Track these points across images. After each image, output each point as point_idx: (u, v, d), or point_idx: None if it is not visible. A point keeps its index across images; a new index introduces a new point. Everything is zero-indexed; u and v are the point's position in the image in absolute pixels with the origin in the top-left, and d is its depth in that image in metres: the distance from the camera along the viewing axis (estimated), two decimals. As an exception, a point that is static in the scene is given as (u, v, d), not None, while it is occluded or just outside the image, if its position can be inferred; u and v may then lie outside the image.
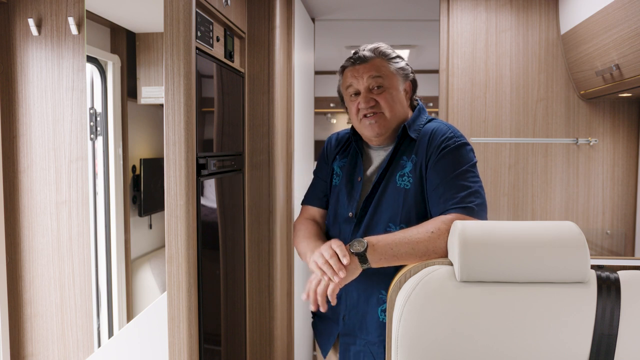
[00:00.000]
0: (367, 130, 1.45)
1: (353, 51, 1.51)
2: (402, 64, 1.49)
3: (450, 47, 2.61)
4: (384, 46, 1.48)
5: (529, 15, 2.57)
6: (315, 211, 1.60)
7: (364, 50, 1.47)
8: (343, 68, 1.51)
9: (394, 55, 1.49)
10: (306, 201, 1.63)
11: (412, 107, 1.53)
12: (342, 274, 1.23)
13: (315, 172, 1.65)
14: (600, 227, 2.60)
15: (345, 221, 1.46)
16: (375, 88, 1.43)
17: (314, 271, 1.29)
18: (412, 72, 1.51)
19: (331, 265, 1.24)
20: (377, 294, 1.41)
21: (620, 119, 2.57)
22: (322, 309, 1.26)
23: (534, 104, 2.59)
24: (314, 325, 1.62)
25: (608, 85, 2.17)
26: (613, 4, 1.93)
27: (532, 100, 2.59)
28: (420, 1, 2.78)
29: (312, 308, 1.28)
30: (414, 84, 1.52)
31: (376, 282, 1.40)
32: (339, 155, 1.57)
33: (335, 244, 1.28)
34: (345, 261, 1.24)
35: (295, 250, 2.53)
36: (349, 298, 1.45)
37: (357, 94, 1.46)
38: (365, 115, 1.44)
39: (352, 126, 1.57)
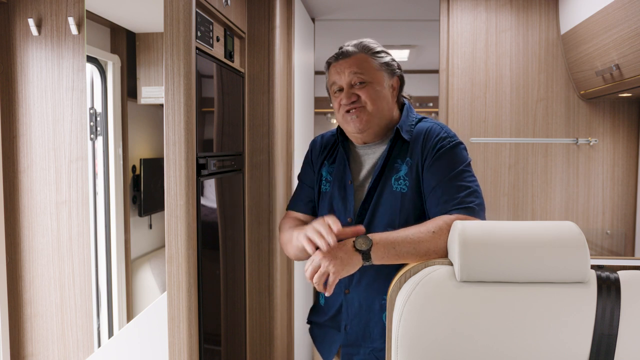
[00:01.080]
0: (350, 126, 1.42)
1: (339, 47, 1.48)
2: (387, 59, 1.45)
3: (450, 47, 2.61)
4: (368, 40, 1.45)
5: (529, 15, 2.57)
6: (301, 217, 1.55)
7: (348, 45, 1.45)
8: (328, 64, 1.48)
9: (378, 49, 1.45)
10: (291, 206, 1.57)
11: (400, 105, 1.50)
12: (330, 241, 1.18)
13: (299, 177, 1.59)
14: (600, 227, 2.60)
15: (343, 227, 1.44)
16: (358, 84, 1.41)
17: (304, 245, 1.24)
18: (398, 68, 1.48)
19: (322, 235, 1.19)
20: (380, 300, 1.39)
21: (620, 119, 2.57)
22: (327, 293, 1.22)
23: (534, 104, 2.59)
24: (311, 332, 1.59)
25: (608, 85, 2.17)
26: (613, 4, 1.93)
27: (532, 100, 2.59)
28: (420, 1, 2.78)
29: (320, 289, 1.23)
30: (401, 80, 1.49)
31: (378, 289, 1.38)
32: (327, 160, 1.52)
33: (327, 218, 1.23)
34: (331, 237, 1.20)
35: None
36: (350, 307, 1.43)
37: (341, 90, 1.44)
38: (347, 111, 1.42)
39: (339, 126, 1.53)
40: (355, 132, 1.42)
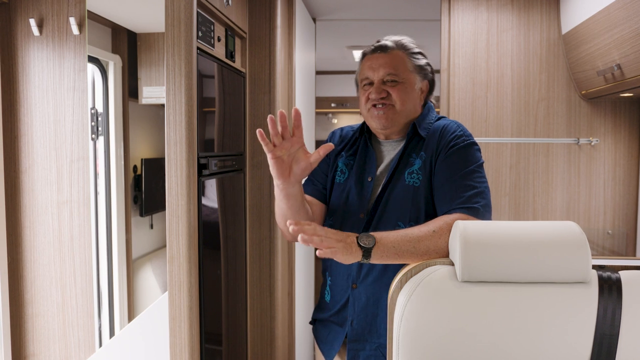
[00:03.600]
0: (374, 121, 1.44)
1: (377, 40, 1.49)
2: (422, 62, 1.46)
3: (452, 47, 2.61)
4: (407, 39, 1.47)
5: (530, 15, 2.57)
6: (309, 199, 1.56)
7: (387, 40, 1.46)
8: (363, 55, 1.49)
9: (415, 50, 1.47)
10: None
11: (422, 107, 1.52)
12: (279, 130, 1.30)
13: None
14: (602, 227, 2.60)
15: (355, 221, 1.45)
16: (390, 81, 1.43)
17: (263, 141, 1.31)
18: (431, 73, 1.50)
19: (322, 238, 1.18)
20: (387, 296, 1.39)
21: (621, 118, 2.57)
22: (319, 254, 1.18)
23: (535, 103, 2.59)
24: (314, 331, 1.59)
25: (609, 85, 2.17)
26: (614, 4, 1.93)
27: (533, 100, 2.59)
28: (421, 1, 2.78)
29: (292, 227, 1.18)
30: (431, 85, 1.51)
31: (385, 285, 1.38)
32: (344, 152, 1.55)
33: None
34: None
35: (295, 249, 2.53)
36: (357, 302, 1.43)
37: (371, 84, 1.45)
38: (374, 105, 1.43)
39: (364, 121, 1.55)
40: (379, 128, 1.44)
